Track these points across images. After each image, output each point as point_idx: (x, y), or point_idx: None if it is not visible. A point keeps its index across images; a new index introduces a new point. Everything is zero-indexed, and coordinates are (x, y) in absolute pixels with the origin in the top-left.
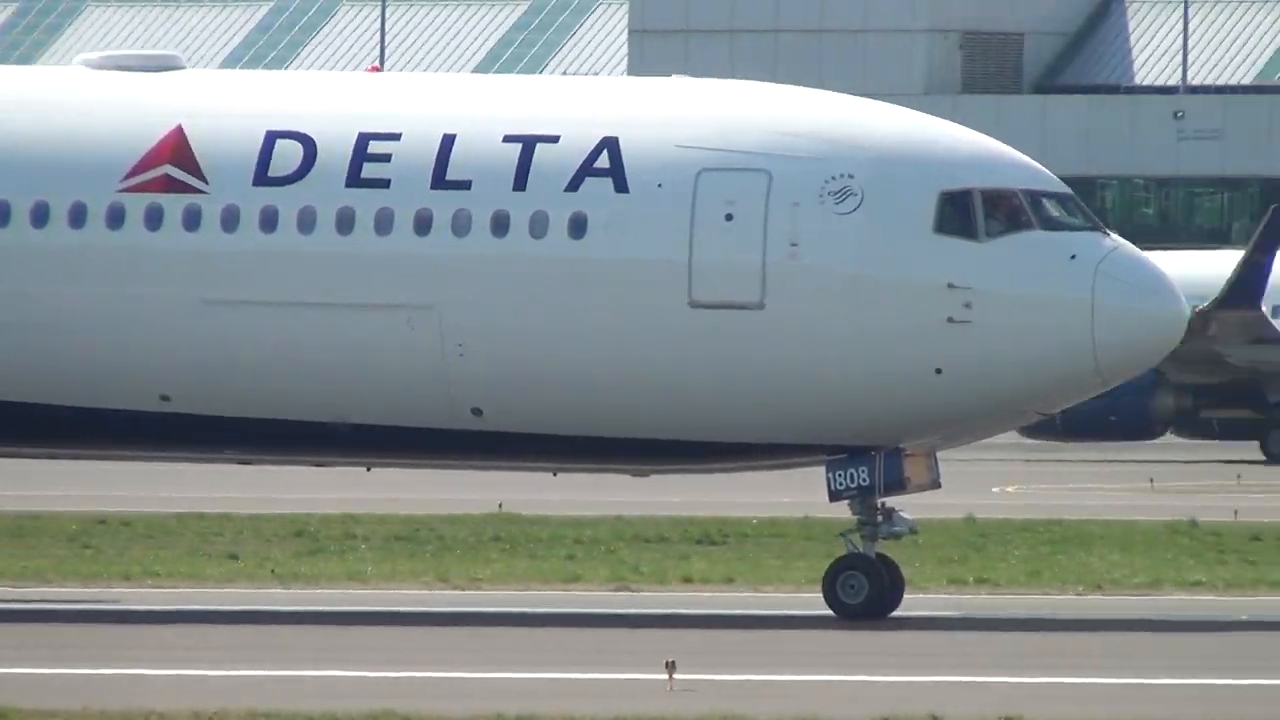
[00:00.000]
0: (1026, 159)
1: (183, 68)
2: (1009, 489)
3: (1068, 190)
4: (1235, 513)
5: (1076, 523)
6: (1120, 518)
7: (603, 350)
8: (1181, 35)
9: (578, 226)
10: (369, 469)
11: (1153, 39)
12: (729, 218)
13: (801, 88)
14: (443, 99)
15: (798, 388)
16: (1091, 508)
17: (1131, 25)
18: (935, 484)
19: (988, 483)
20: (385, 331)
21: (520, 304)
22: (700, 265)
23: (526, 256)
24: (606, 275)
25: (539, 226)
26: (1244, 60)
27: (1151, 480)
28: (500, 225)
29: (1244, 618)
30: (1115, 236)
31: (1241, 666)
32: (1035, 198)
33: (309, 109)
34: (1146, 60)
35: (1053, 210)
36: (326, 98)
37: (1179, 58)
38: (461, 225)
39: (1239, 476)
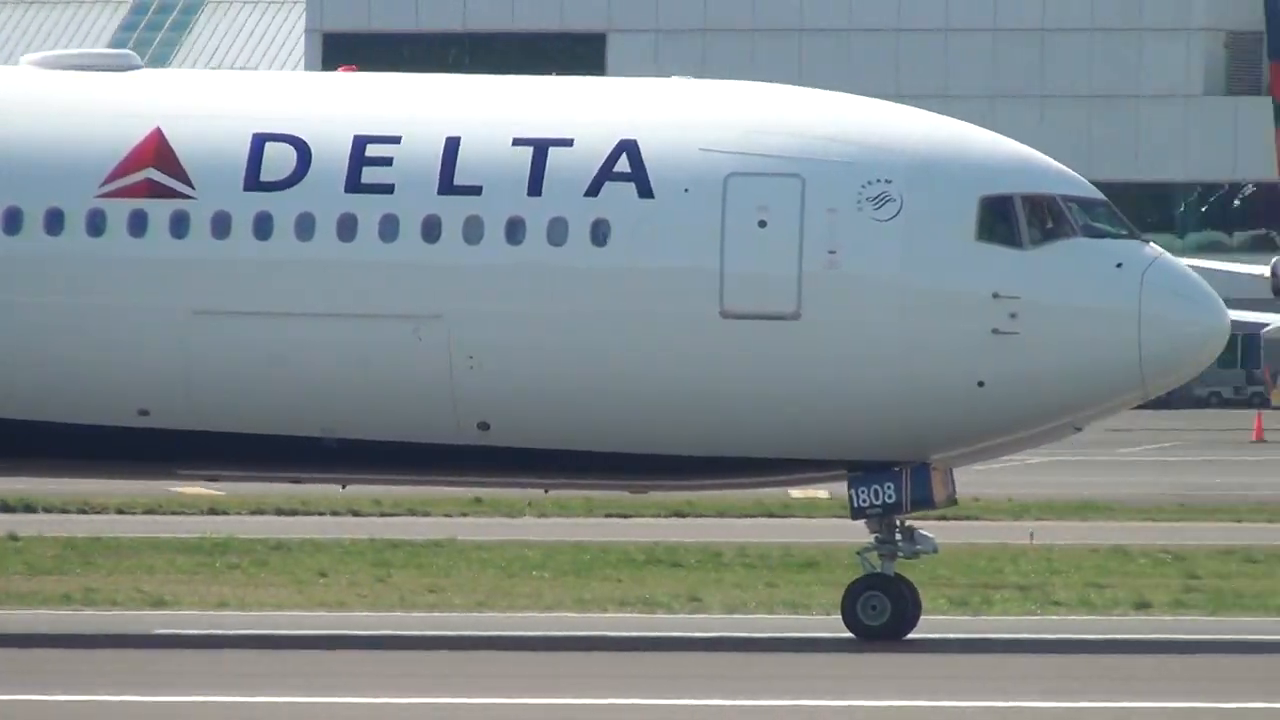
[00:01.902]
0: (1059, 164)
1: (141, 67)
2: None
3: (1103, 197)
4: None
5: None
6: None
7: (627, 362)
8: None
9: (600, 233)
10: (344, 486)
11: None
12: (762, 224)
13: (825, 90)
14: (440, 100)
15: (833, 401)
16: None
17: None
18: (952, 500)
19: None
20: (389, 342)
21: (537, 314)
22: (733, 274)
23: (544, 264)
24: (632, 284)
25: (558, 233)
26: None
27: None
28: (515, 232)
29: None
30: (1154, 245)
31: None
32: (1074, 204)
33: (297, 110)
34: None
35: (1092, 217)
36: (313, 99)
37: None
38: (473, 232)
39: None
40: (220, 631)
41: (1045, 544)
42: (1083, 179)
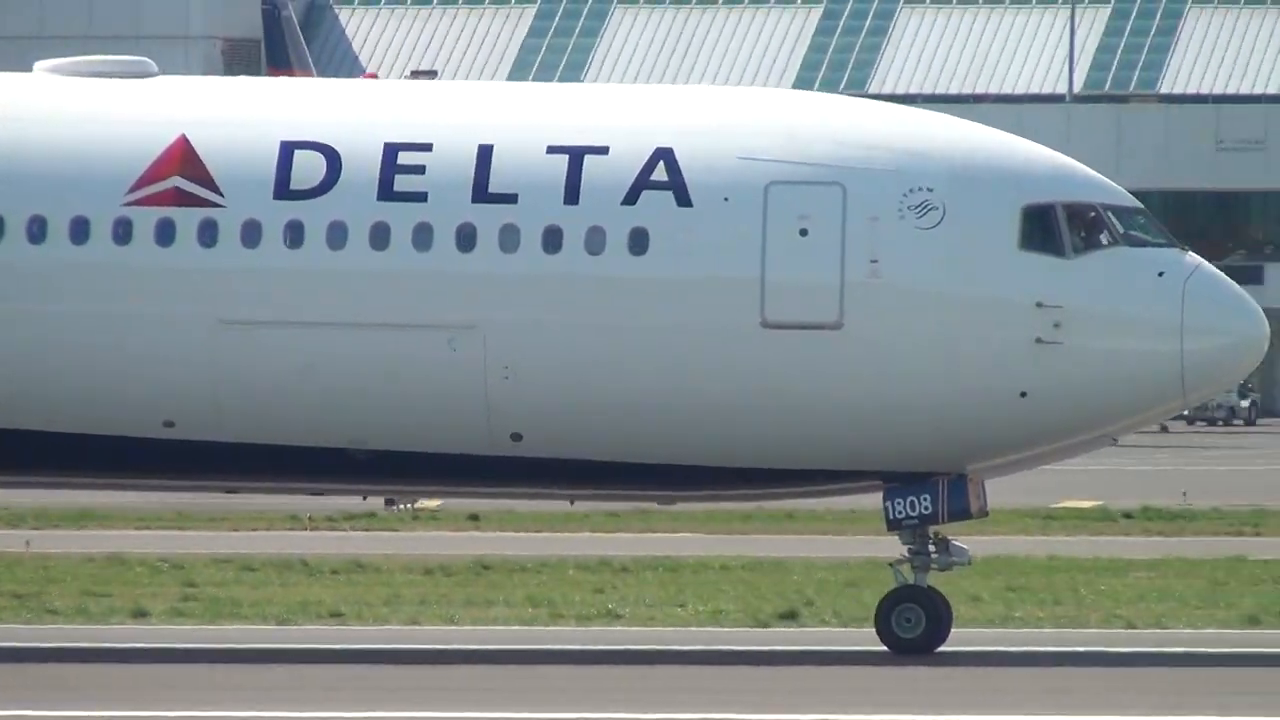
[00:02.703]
0: (1097, 173)
1: (157, 74)
2: None
3: (1141, 205)
4: None
5: None
6: None
7: (665, 373)
8: None
9: (638, 242)
10: (365, 498)
11: None
12: (803, 233)
13: (863, 99)
14: (470, 107)
15: (875, 412)
16: None
17: None
18: (984, 511)
19: None
20: (423, 352)
21: (575, 324)
22: (774, 283)
23: (582, 274)
24: (671, 293)
25: (596, 242)
26: None
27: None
28: (552, 241)
29: None
30: (1193, 254)
31: None
32: (1114, 212)
33: (324, 117)
34: None
35: (1132, 226)
36: (341, 105)
37: None
38: (509, 240)
39: None
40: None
41: (41, 552)
42: (1120, 188)
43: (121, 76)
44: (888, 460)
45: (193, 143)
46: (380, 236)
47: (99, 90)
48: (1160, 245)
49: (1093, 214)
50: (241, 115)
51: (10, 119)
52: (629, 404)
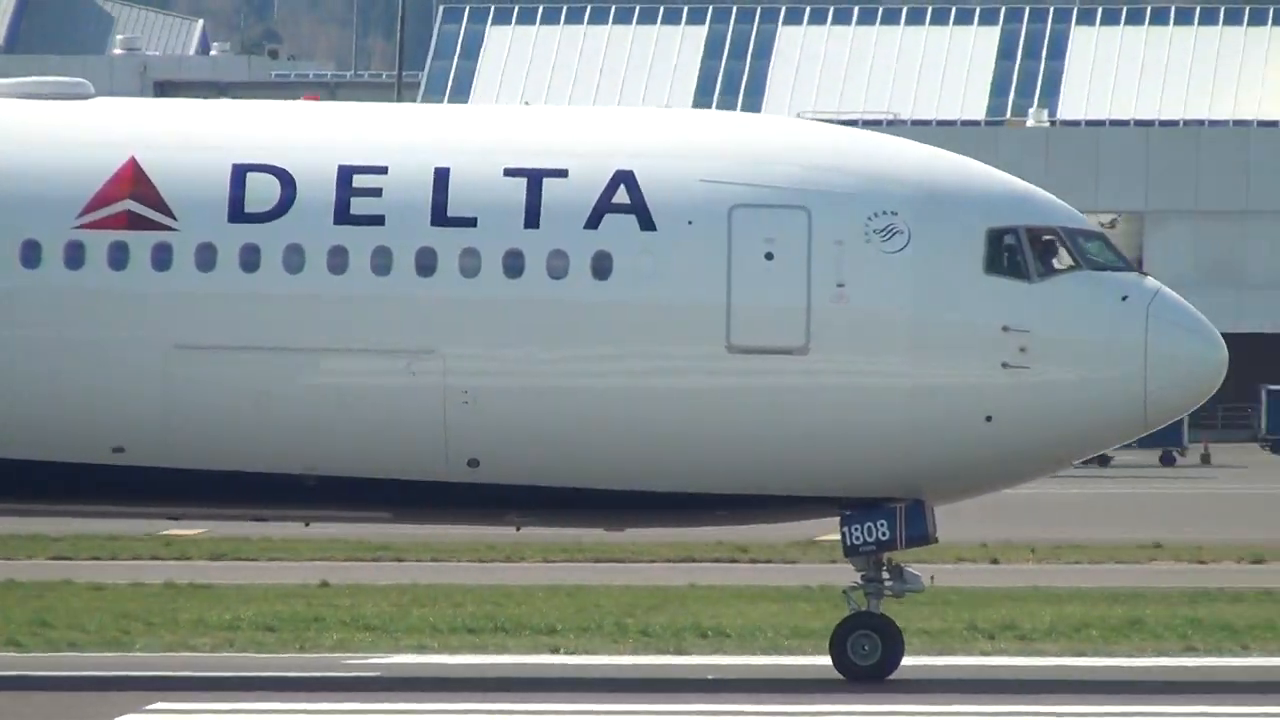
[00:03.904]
0: (1055, 197)
1: (94, 95)
2: None
3: (1100, 229)
4: None
5: None
6: None
7: (629, 398)
8: None
9: (602, 266)
10: (307, 524)
11: None
12: (769, 256)
13: (822, 122)
14: (423, 129)
15: (840, 437)
16: None
17: None
18: (935, 537)
19: None
20: (380, 378)
21: (537, 350)
22: (740, 307)
23: (544, 299)
24: (636, 318)
25: (558, 267)
26: None
27: None
28: (514, 265)
29: None
30: (1152, 278)
31: None
32: (1074, 236)
33: (274, 140)
34: None
35: (1091, 250)
36: (290, 128)
37: None
38: (470, 265)
39: None
40: None
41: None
42: (1077, 211)
43: (59, 98)
44: (848, 486)
45: (142, 165)
46: (338, 260)
47: (40, 112)
48: (1120, 269)
49: (1054, 238)
50: (190, 138)
51: None
52: (590, 430)
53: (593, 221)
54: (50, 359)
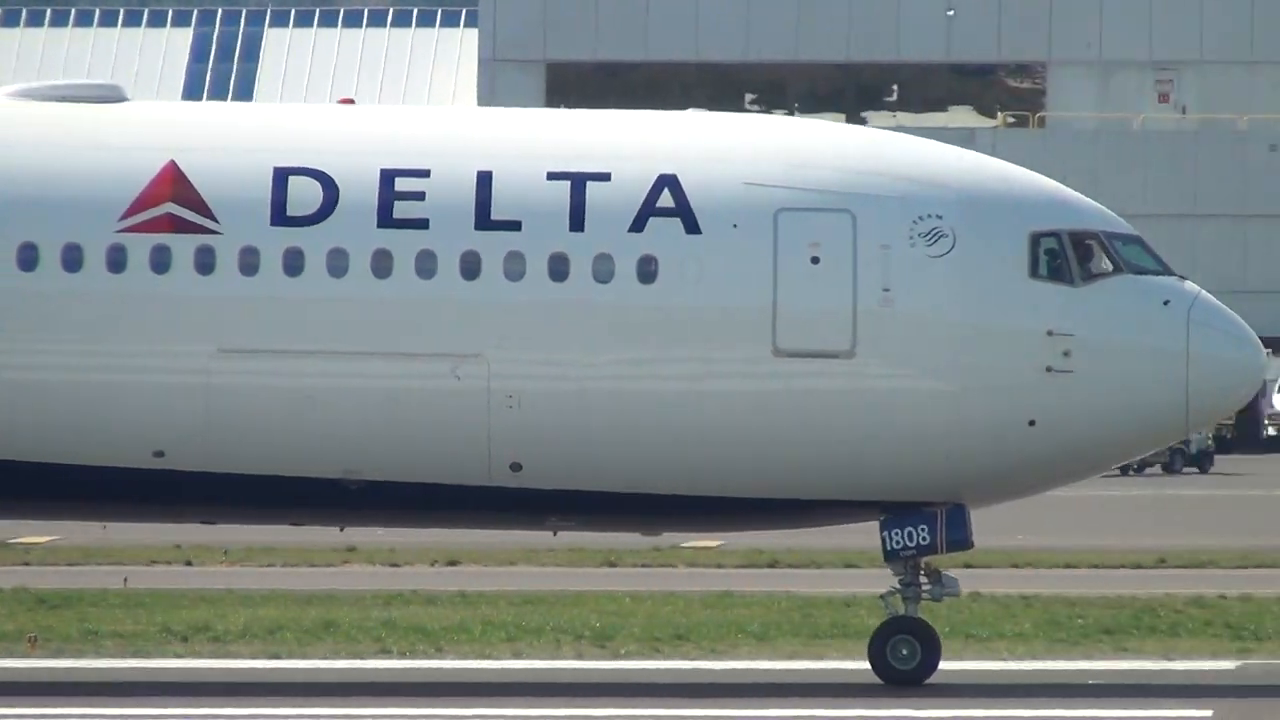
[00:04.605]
0: (1092, 200)
1: (128, 99)
2: None
3: (1136, 232)
4: None
5: None
6: None
7: (674, 402)
8: None
9: (648, 270)
10: (342, 529)
11: None
12: (815, 260)
13: (864, 126)
14: (463, 133)
15: (884, 441)
16: None
17: None
18: (972, 542)
19: None
20: (424, 381)
21: (582, 353)
22: (786, 311)
23: (590, 302)
24: (682, 322)
25: (604, 270)
26: None
27: None
28: (559, 269)
29: None
30: (1191, 282)
31: None
32: (1113, 240)
33: (314, 143)
34: None
35: (1131, 254)
36: (329, 131)
37: None
38: (515, 269)
39: None
40: None
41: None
42: (1117, 216)
43: (93, 101)
44: (889, 490)
45: (183, 168)
46: (383, 264)
47: (76, 115)
48: (1161, 273)
49: (1094, 242)
50: (228, 140)
51: None
52: (634, 434)
53: (637, 225)
54: (92, 363)
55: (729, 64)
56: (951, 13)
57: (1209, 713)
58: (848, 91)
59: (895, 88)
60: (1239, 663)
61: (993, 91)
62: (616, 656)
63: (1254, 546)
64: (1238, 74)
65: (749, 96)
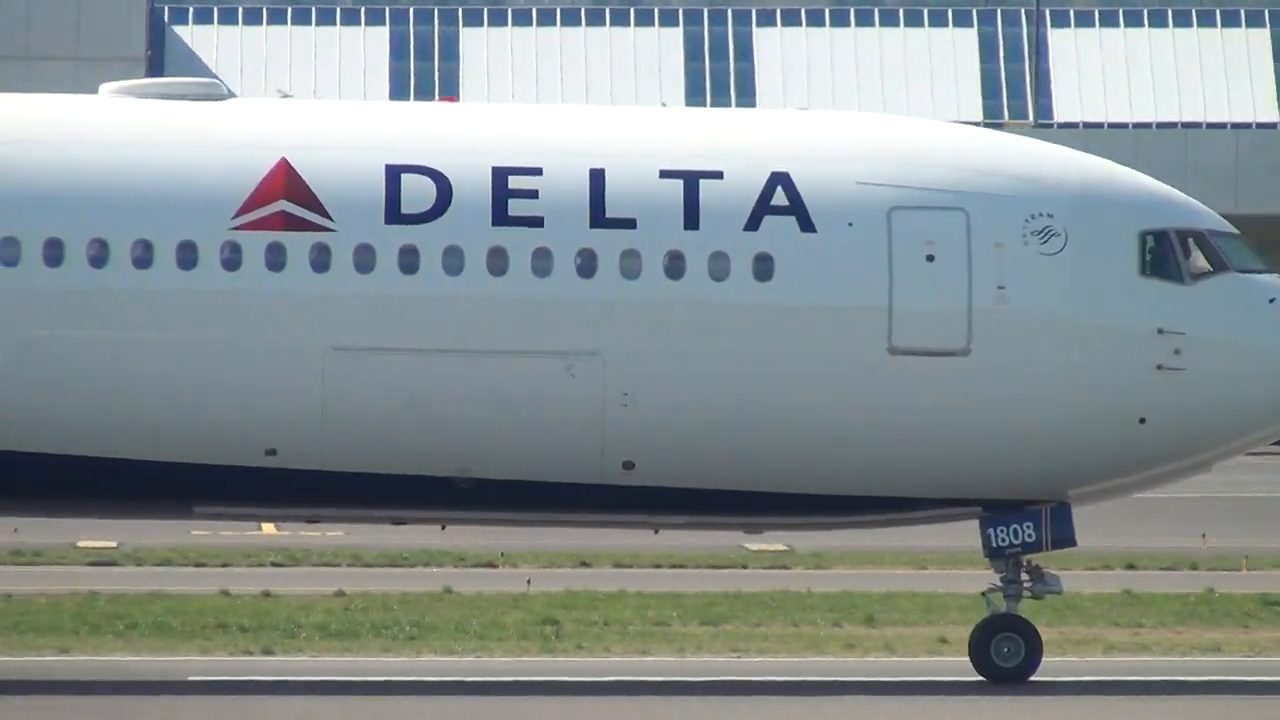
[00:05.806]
0: (1195, 200)
1: (230, 96)
2: None
3: (1237, 231)
4: None
5: None
6: None
7: (788, 400)
8: None
9: (763, 268)
10: (444, 527)
11: None
12: (930, 259)
13: (972, 125)
14: (574, 131)
15: (997, 439)
16: None
17: None
18: (1076, 540)
19: None
20: (539, 379)
21: (698, 351)
22: (902, 309)
23: (706, 300)
24: (797, 320)
25: (719, 268)
26: None
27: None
28: (675, 267)
29: None
30: None
31: None
32: (1217, 238)
33: (425, 141)
34: None
35: (1234, 252)
36: (439, 129)
37: None
38: (630, 266)
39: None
40: None
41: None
42: (1218, 215)
43: (195, 99)
44: (996, 488)
45: (295, 165)
46: (498, 262)
47: (183, 113)
48: (1263, 271)
49: (1200, 240)
50: (338, 138)
51: (94, 141)
52: (748, 433)
53: (752, 223)
54: (206, 361)
55: None
56: None
57: None
58: None
59: None
60: None
61: None
62: None
63: None
64: None
65: None
